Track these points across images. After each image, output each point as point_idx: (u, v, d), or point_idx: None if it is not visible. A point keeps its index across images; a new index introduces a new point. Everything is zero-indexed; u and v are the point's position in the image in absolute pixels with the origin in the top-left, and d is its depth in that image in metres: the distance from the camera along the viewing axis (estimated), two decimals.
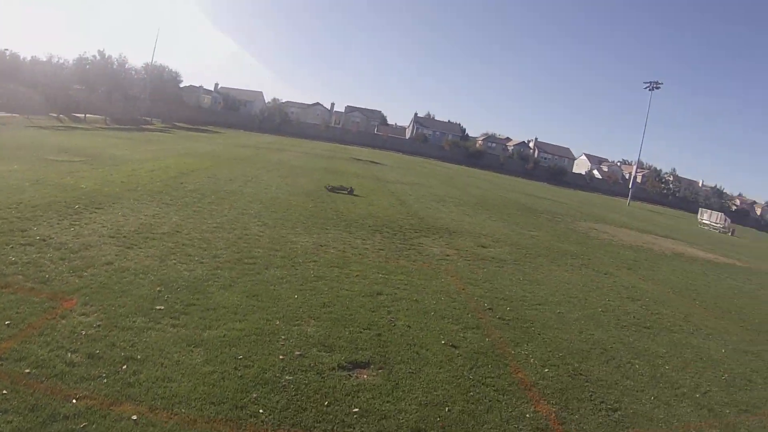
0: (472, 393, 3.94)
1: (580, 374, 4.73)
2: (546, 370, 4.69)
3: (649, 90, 56.23)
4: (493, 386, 4.13)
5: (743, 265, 17.17)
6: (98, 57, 40.72)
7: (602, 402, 4.29)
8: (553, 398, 4.16)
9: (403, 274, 6.89)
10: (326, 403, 3.46)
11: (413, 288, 6.39)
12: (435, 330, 5.10)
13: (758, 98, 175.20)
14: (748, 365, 6.00)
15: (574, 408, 4.09)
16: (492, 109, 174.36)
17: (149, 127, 37.61)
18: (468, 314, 5.77)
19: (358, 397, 3.62)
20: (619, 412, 4.16)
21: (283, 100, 78.58)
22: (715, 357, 6.10)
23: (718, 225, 40.18)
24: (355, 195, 14.33)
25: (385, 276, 6.67)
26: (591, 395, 4.34)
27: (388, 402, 3.63)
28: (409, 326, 5.08)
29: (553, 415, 3.91)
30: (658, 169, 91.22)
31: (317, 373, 3.83)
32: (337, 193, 14.11)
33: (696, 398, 4.77)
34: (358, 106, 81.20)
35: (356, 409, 3.46)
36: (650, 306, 8.10)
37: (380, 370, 4.08)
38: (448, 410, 3.68)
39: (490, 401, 3.91)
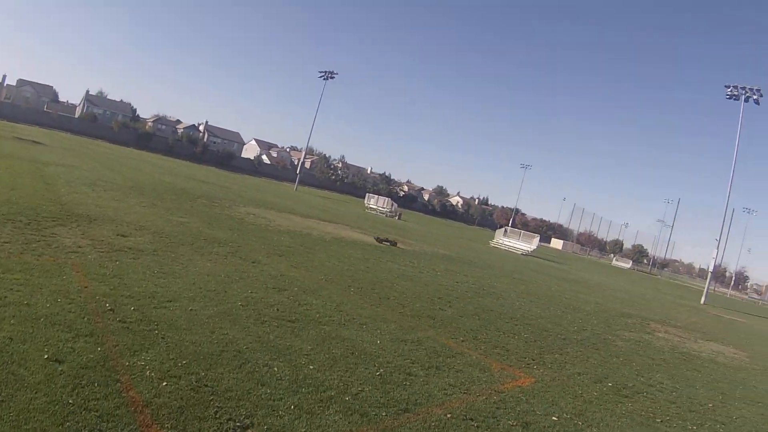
0: (69, 423, 4.19)
1: (206, 385, 5.22)
2: (164, 383, 5.09)
3: (324, 79, 77.06)
4: (96, 411, 4.43)
5: (406, 248, 22.74)
6: None
7: (230, 419, 4.70)
8: (168, 420, 4.52)
9: (22, 272, 7.67)
10: None
11: (29, 289, 7.03)
12: (40, 341, 5.51)
13: (419, 91, 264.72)
14: (406, 356, 7.40)
15: (194, 430, 4.43)
16: (165, 90, 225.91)
17: None
18: (84, 318, 6.37)
19: None
20: (250, 430, 4.60)
21: None
22: (369, 350, 7.33)
23: (385, 210, 54.75)
24: None
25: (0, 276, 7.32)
26: (216, 411, 4.78)
27: None
28: (11, 338, 5.42)
29: None
30: (327, 155, 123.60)
31: None
32: None
33: (346, 401, 5.51)
34: (31, 80, 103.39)
35: None
36: (299, 296, 9.59)
37: None
38: None
39: None
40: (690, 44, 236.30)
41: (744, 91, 43.86)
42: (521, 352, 9.30)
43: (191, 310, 7.46)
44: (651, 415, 7.53)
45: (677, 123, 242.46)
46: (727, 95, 44.90)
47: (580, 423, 6.54)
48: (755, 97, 43.74)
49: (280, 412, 4.99)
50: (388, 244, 22.14)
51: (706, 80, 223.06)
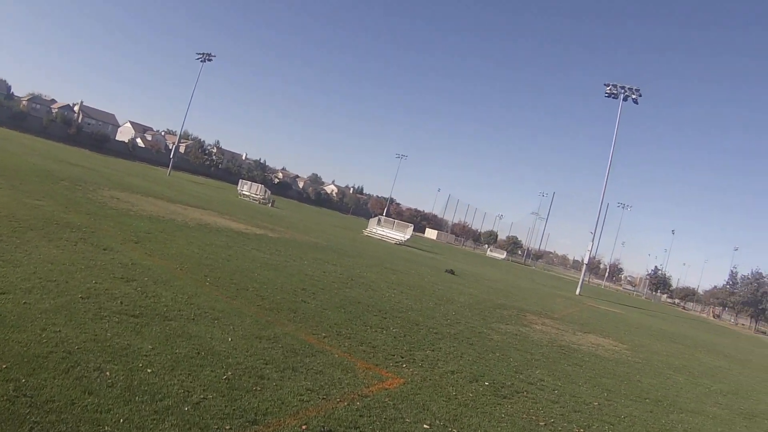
0: None
1: (24, 395, 4.50)
2: None
3: (201, 62, 75.97)
4: None
5: (275, 236, 21.59)
6: None
7: None
8: None
9: None
10: None
11: None
12: None
13: (297, 78, 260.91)
14: (260, 356, 6.49)
15: None
16: (41, 67, 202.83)
17: None
18: None
19: None
20: None
21: None
22: (218, 349, 6.42)
23: (259, 196, 53.69)
24: None
25: None
26: (32, 428, 4.07)
27: None
28: None
29: None
30: (202, 140, 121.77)
31: None
32: None
33: (185, 412, 4.73)
34: None
35: None
36: (147, 287, 8.50)
37: None
38: None
39: None
40: (571, 40, 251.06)
41: (623, 90, 46.55)
42: (389, 349, 8.41)
43: (25, 303, 6.61)
44: (533, 417, 6.93)
45: (554, 118, 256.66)
46: (606, 94, 47.46)
47: (455, 430, 5.76)
48: (634, 96, 46.51)
49: (108, 425, 4.30)
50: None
51: (586, 77, 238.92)
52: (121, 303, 7.36)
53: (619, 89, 46.49)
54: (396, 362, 7.80)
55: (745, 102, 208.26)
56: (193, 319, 7.40)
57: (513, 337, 12.52)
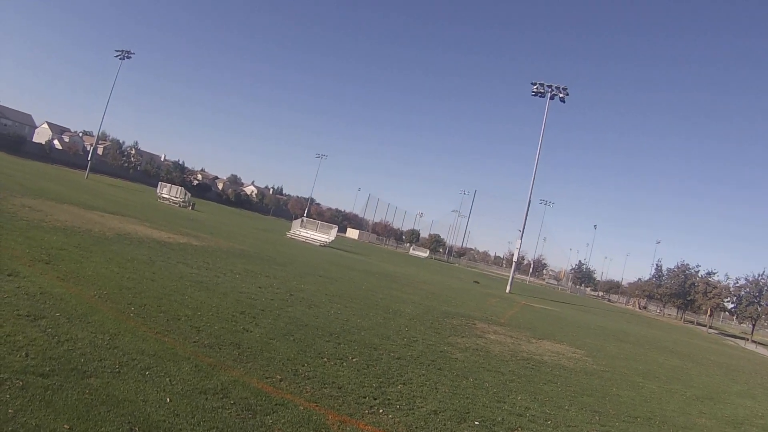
0: None
1: None
2: None
3: (120, 59, 72.50)
4: None
5: (200, 244, 19.65)
6: None
7: None
8: None
9: None
10: None
11: None
12: None
13: (213, 77, 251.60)
14: (209, 422, 5.01)
15: None
16: None
17: None
18: None
19: None
20: None
21: None
22: (154, 418, 4.82)
23: (178, 199, 51.23)
24: None
25: None
26: None
27: None
28: None
29: None
30: (120, 141, 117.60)
31: None
32: None
33: None
34: None
35: None
36: (60, 327, 6.62)
37: None
38: None
39: None
40: (490, 41, 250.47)
41: (550, 89, 46.58)
42: (357, 389, 7.01)
43: None
44: None
45: (473, 118, 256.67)
46: (533, 92, 47.26)
47: None
48: (561, 95, 46.53)
49: None
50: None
51: (506, 78, 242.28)
52: (26, 355, 5.53)
53: (546, 88, 46.72)
54: (370, 406, 6.44)
55: (662, 101, 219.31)
56: (118, 372, 5.67)
57: (475, 353, 11.42)
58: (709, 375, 17.26)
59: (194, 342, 7.40)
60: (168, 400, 5.27)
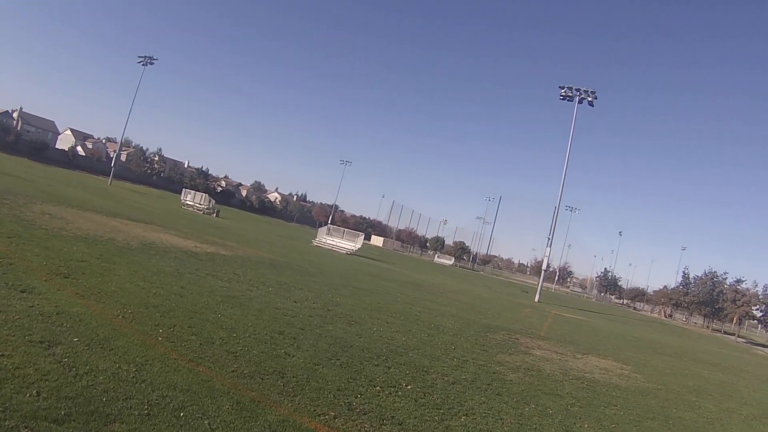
0: None
1: None
2: None
3: (143, 65, 71.56)
4: None
5: (228, 254, 18.88)
6: None
7: None
8: None
9: None
10: None
11: None
12: None
13: (238, 84, 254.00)
14: None
15: None
16: None
17: None
18: None
19: None
20: None
21: None
22: None
23: (203, 206, 50.76)
24: None
25: None
26: None
27: None
28: None
29: None
30: (144, 148, 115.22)
31: None
32: None
33: None
34: None
35: None
36: (78, 356, 5.75)
37: None
38: None
39: None
40: (519, 39, 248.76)
41: (578, 93, 45.10)
42: (419, 424, 6.15)
43: None
44: None
45: (496, 121, 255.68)
46: (561, 96, 45.84)
47: None
48: (590, 99, 45.04)
49: None
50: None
51: (532, 80, 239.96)
52: (38, 394, 4.65)
53: (574, 91, 45.23)
54: None
55: (691, 107, 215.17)
56: (148, 414, 4.80)
57: (527, 373, 10.48)
58: (755, 390, 16.14)
59: (232, 371, 6.54)
60: None
